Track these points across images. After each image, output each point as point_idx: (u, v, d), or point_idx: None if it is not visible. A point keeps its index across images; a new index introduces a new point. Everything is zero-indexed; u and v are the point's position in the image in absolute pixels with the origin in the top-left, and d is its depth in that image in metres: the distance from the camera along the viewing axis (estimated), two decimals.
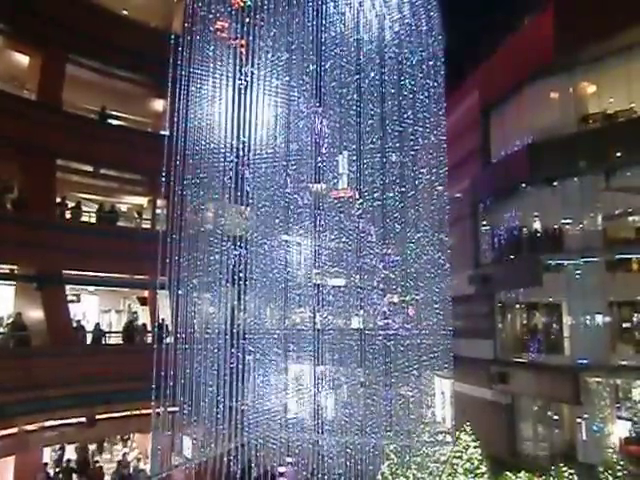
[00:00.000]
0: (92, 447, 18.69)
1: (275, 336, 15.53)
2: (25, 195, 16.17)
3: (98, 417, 15.51)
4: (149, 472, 15.82)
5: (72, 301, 18.07)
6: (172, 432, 14.32)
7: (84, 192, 19.27)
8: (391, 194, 17.05)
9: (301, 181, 16.13)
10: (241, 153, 14.89)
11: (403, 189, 17.24)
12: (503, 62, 25.02)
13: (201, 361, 14.23)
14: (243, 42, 14.89)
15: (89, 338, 17.16)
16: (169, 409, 13.32)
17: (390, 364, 16.30)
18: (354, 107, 16.31)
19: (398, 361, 16.45)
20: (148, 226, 19.17)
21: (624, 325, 20.95)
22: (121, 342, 17.86)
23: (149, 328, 18.36)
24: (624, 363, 19.31)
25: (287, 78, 15.60)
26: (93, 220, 18.19)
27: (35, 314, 15.86)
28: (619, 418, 19.98)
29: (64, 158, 17.14)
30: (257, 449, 14.41)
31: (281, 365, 15.44)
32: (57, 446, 17.09)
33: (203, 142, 14.75)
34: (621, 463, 14.51)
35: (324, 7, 15.63)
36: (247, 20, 14.61)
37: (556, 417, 22.39)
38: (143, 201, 20.51)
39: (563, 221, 21.34)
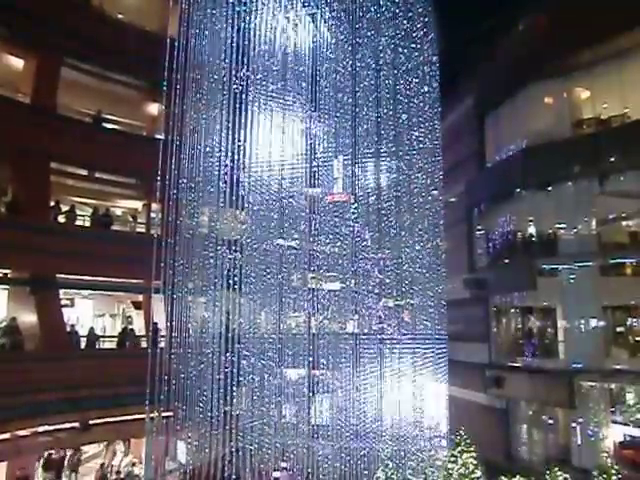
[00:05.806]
0: None
1: (270, 340, 15.50)
2: (19, 198, 16.08)
3: (92, 422, 15.41)
4: (142, 477, 15.76)
5: (66, 305, 17.96)
6: (166, 437, 14.27)
7: (78, 195, 19.16)
8: (386, 198, 17.09)
9: (296, 185, 16.15)
10: (236, 157, 14.92)
11: (398, 193, 17.28)
12: (498, 66, 25.13)
13: (195, 365, 14.19)
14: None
15: (83, 342, 17.07)
16: (163, 414, 13.27)
17: (385, 368, 16.29)
18: (349, 112, 16.36)
19: (393, 365, 16.45)
20: (143, 230, 19.11)
21: (618, 329, 20.99)
22: (115, 346, 17.77)
23: (143, 332, 18.28)
24: (618, 367, 19.34)
25: (283, 82, 15.65)
26: (87, 224, 18.10)
27: (29, 318, 15.74)
28: (614, 422, 20.02)
29: (58, 161, 17.05)
30: (252, 454, 14.37)
31: (276, 369, 15.40)
32: None
33: (198, 146, 14.75)
34: (616, 467, 14.50)
35: (320, 11, 15.71)
36: (243, 24, 14.67)
37: (551, 421, 22.40)
38: (138, 205, 20.42)
39: (557, 226, 21.42)
